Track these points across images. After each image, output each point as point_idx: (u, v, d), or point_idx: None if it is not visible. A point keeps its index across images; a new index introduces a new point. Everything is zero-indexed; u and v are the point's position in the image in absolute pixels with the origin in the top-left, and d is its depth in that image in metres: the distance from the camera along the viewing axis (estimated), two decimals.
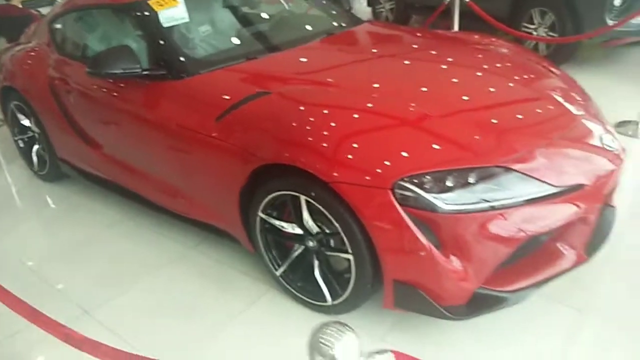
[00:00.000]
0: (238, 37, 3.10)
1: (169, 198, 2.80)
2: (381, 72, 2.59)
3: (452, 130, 2.05)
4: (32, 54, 3.60)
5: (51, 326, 1.64)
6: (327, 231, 2.14)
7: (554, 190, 1.91)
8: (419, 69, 2.68)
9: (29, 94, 3.53)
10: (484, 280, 1.91)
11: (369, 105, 2.18)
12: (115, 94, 2.85)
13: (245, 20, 3.28)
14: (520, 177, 1.89)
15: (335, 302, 2.20)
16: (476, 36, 3.09)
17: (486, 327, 2.15)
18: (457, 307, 1.93)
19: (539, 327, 2.15)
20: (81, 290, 2.67)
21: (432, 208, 1.80)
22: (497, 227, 1.83)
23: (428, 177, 1.83)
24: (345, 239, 2.01)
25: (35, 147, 3.83)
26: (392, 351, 1.12)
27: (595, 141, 2.15)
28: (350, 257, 2.03)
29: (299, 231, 2.22)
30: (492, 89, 2.39)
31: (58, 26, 3.51)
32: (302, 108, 2.16)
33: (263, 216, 2.28)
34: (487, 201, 1.83)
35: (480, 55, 2.81)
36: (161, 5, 2.78)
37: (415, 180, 1.83)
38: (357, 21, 3.38)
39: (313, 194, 2.02)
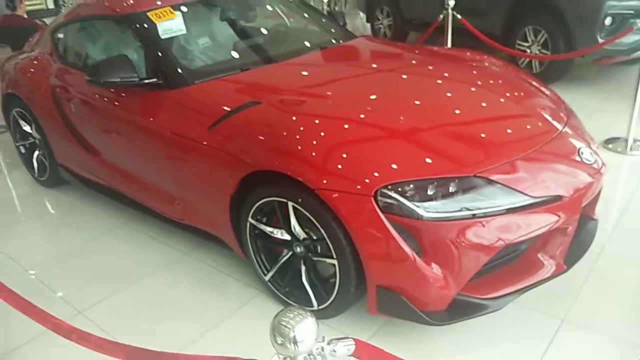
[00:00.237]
0: (233, 49, 3.19)
1: (164, 204, 2.86)
2: (373, 85, 2.65)
3: (439, 142, 2.11)
4: (35, 62, 3.68)
5: (41, 317, 1.70)
6: (314, 237, 2.20)
7: (532, 200, 1.97)
8: (410, 83, 2.75)
9: (31, 101, 3.60)
10: (463, 286, 1.96)
11: (361, 116, 2.24)
12: (114, 102, 2.93)
13: (240, 33, 3.37)
14: (500, 188, 1.96)
15: (321, 306, 2.25)
16: (468, 53, 3.16)
17: (470, 333, 2.21)
18: (438, 312, 1.99)
19: (520, 335, 2.20)
20: (75, 292, 2.72)
21: (414, 215, 1.87)
22: (477, 235, 1.89)
23: (410, 185, 1.90)
24: (330, 244, 2.07)
25: (36, 153, 3.90)
26: (353, 339, 1.17)
27: (575, 156, 2.21)
28: (335, 262, 2.09)
29: (287, 237, 2.27)
30: (484, 104, 2.44)
31: (60, 36, 3.59)
32: (294, 118, 2.23)
33: (253, 222, 2.34)
34: (469, 209, 1.89)
35: (474, 72, 2.87)
36: (160, 17, 2.87)
37: (399, 189, 1.89)
38: (351, 36, 3.47)
39: (300, 200, 2.09)
